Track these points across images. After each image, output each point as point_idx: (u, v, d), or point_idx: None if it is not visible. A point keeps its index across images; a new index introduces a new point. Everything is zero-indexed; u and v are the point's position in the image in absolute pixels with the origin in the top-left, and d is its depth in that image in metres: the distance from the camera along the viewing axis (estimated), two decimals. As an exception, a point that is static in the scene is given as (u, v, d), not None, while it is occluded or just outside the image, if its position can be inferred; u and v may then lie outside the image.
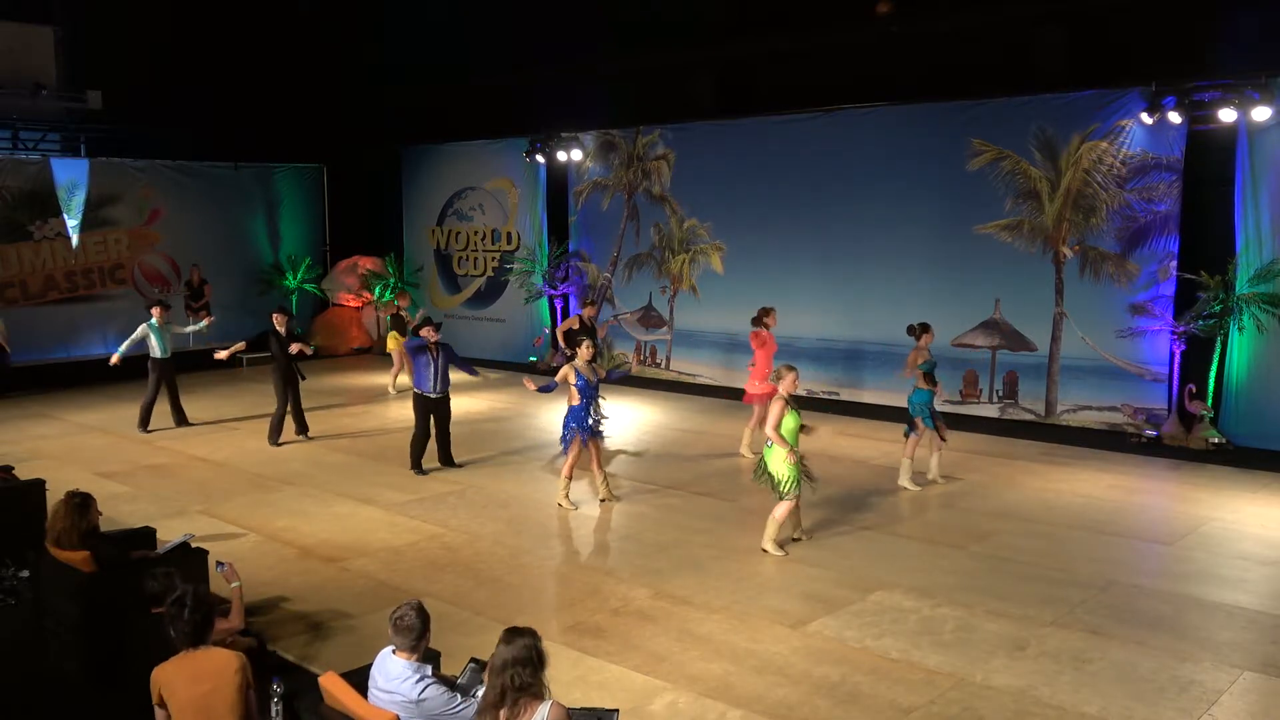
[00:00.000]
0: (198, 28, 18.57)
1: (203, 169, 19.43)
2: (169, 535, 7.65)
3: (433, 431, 11.21)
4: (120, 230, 18.52)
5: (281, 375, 12.41)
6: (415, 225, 20.56)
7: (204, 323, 14.35)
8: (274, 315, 12.62)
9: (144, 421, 13.22)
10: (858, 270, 14.53)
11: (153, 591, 5.65)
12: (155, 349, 13.09)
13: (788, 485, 8.32)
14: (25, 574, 7.44)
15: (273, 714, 4.71)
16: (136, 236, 18.73)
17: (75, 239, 17.71)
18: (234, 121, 19.04)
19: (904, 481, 10.43)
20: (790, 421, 8.28)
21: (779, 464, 8.32)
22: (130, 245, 18.65)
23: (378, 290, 19.57)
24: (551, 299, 18.21)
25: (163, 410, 13.35)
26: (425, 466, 11.15)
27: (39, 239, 17.55)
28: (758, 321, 11.91)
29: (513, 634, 4.21)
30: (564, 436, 9.86)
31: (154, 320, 13.08)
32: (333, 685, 4.70)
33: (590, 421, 9.74)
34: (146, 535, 7.52)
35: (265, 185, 20.43)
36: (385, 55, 19.91)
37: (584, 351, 9.78)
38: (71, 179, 17.59)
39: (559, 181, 18.14)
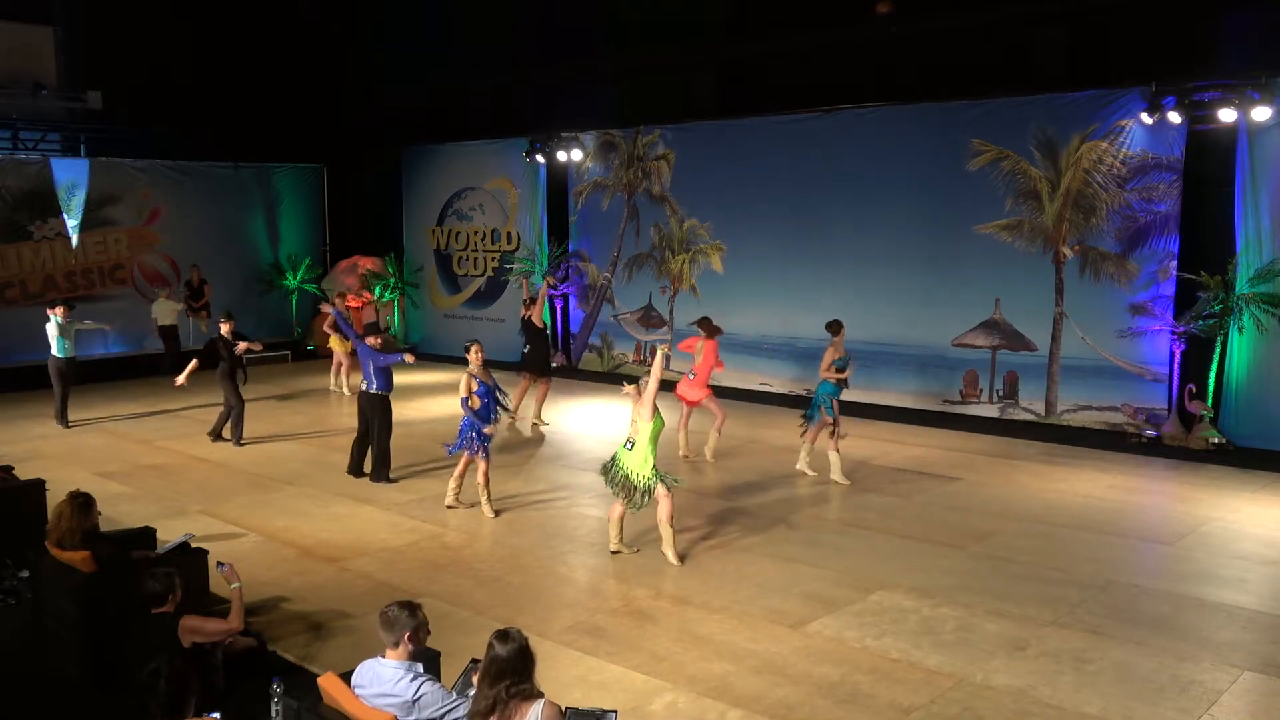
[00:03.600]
0: (198, 28, 18.59)
1: (203, 169, 19.43)
2: (169, 535, 7.66)
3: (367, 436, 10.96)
4: (120, 230, 18.53)
5: (229, 379, 12.43)
6: (415, 225, 20.56)
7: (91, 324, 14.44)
8: (220, 322, 12.63)
9: (62, 416, 13.49)
10: (858, 270, 14.53)
11: (153, 591, 5.65)
12: (54, 348, 13.23)
13: (645, 488, 8.20)
14: (25, 574, 7.43)
15: (273, 714, 4.71)
16: (136, 236, 18.74)
17: (75, 239, 17.72)
18: (234, 121, 19.04)
19: (801, 466, 10.90)
20: (656, 425, 8.22)
21: (638, 465, 8.21)
22: (130, 245, 18.66)
23: (378, 290, 19.57)
24: (552, 299, 18.20)
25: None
26: (362, 471, 10.97)
27: (39, 239, 17.56)
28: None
29: (502, 639, 4.20)
30: (463, 443, 9.53)
31: (58, 319, 13.22)
32: (332, 686, 4.70)
33: (487, 431, 9.48)
34: (146, 535, 7.53)
35: (265, 185, 20.43)
36: (385, 55, 19.90)
37: (474, 356, 9.60)
38: (71, 179, 17.59)
39: (559, 181, 18.13)
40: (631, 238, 17.21)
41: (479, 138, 19.01)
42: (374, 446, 10.80)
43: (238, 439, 12.49)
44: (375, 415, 10.74)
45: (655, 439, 8.23)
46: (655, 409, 8.19)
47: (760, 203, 15.52)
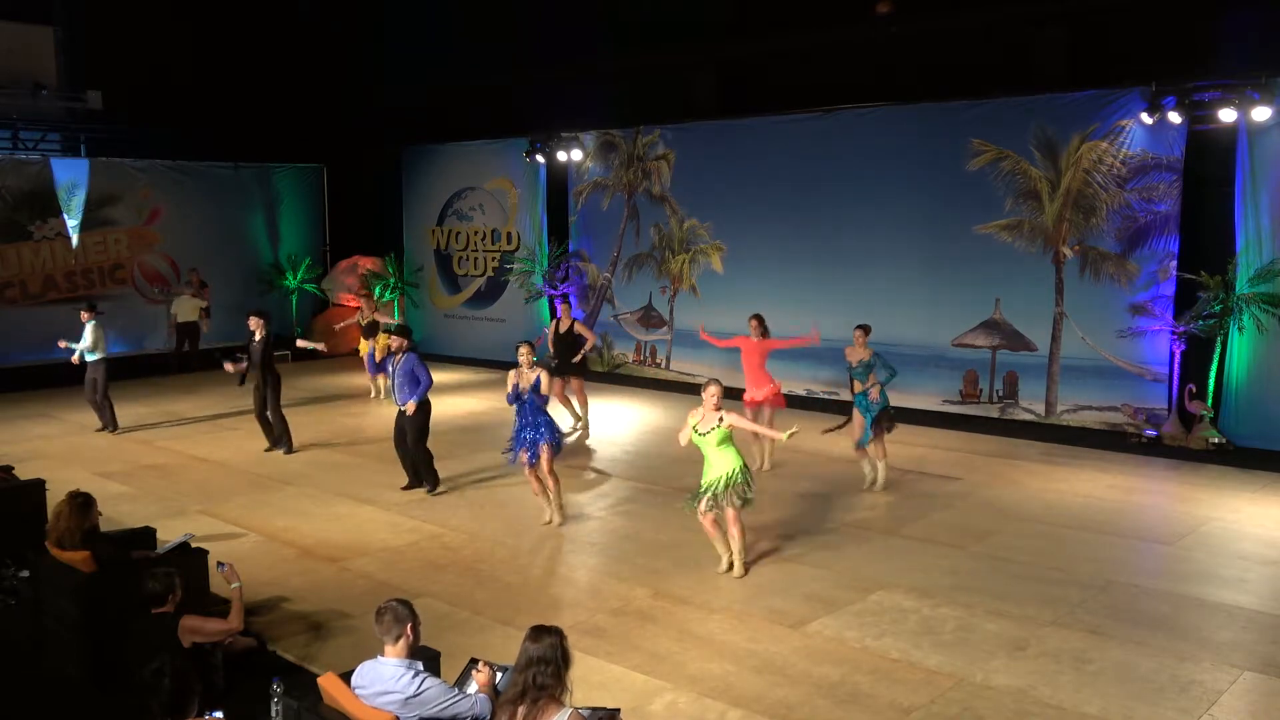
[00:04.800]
0: (198, 28, 18.60)
1: (203, 169, 19.43)
2: (169, 535, 7.66)
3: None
4: (120, 230, 18.53)
5: (258, 382, 12.00)
6: (415, 225, 20.57)
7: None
8: (249, 319, 12.01)
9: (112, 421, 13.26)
10: (858, 270, 14.52)
11: (153, 591, 5.65)
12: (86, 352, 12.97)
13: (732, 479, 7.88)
14: (25, 574, 7.44)
15: (273, 714, 4.71)
16: (136, 236, 18.74)
17: (75, 239, 17.73)
18: (234, 121, 19.04)
19: (877, 485, 10.36)
20: (693, 435, 7.89)
21: (728, 465, 7.87)
22: (130, 245, 18.66)
23: (378, 290, 19.58)
24: (551, 299, 18.21)
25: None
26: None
27: (39, 239, 17.56)
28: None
29: (539, 632, 4.27)
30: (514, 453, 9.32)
31: (84, 324, 12.94)
32: (332, 686, 4.70)
33: (523, 438, 9.15)
34: (146, 535, 7.53)
35: (265, 185, 20.43)
36: (385, 55, 19.90)
37: (523, 358, 9.24)
38: (71, 179, 17.60)
39: (559, 181, 18.13)
40: (631, 238, 17.21)
41: (479, 138, 19.01)
42: (411, 453, 10.46)
43: (284, 444, 12.09)
44: (409, 424, 10.34)
45: (728, 441, 7.85)
46: (722, 420, 7.78)
47: (760, 203, 15.52)
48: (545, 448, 9.11)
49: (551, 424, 9.27)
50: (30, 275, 17.51)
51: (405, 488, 10.48)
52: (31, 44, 16.96)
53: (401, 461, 10.58)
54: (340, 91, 19.83)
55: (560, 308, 14.00)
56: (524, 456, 9.17)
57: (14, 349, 16.79)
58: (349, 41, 20.02)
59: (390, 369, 10.37)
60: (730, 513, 7.84)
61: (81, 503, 6.72)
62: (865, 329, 10.40)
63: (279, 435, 12.11)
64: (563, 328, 13.51)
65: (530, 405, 9.16)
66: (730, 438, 7.86)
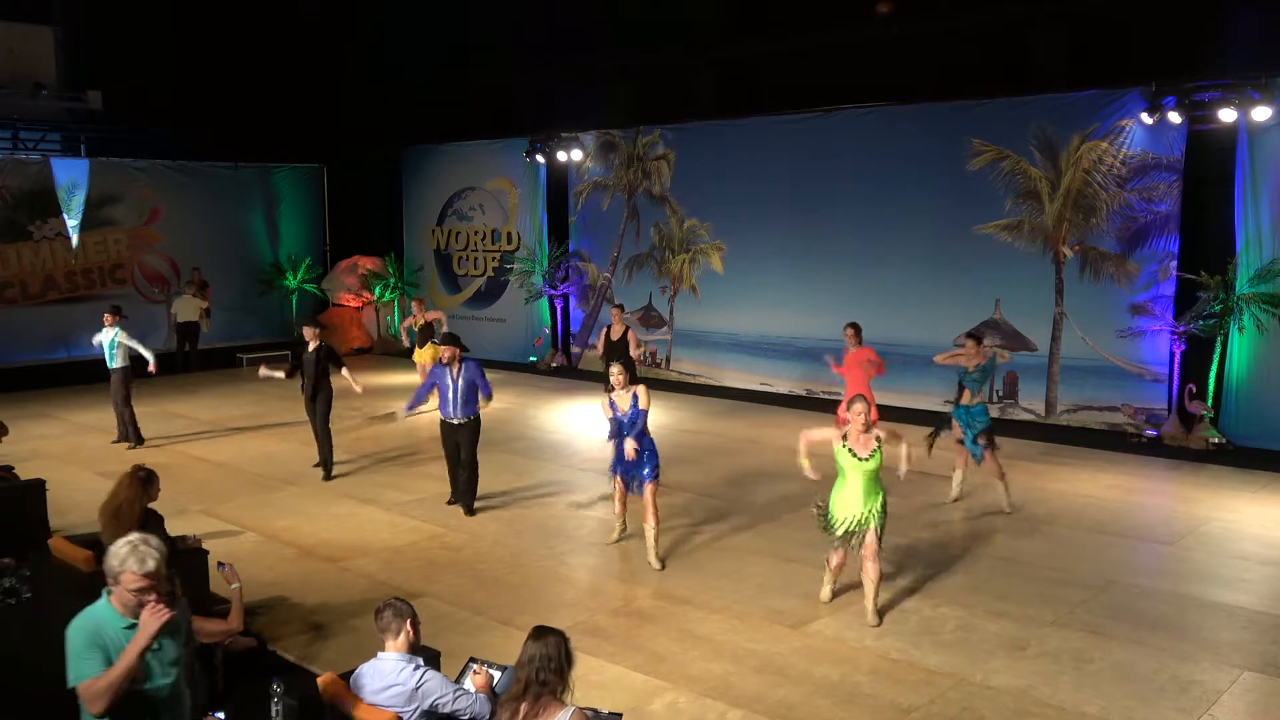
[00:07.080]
0: (198, 28, 18.59)
1: (203, 169, 19.45)
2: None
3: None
4: (120, 230, 18.55)
5: (311, 400, 10.99)
6: (415, 225, 20.57)
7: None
8: (304, 328, 11.28)
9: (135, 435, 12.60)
10: (857, 270, 14.52)
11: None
12: (107, 357, 12.39)
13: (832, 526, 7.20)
14: (26, 573, 7.43)
15: (273, 714, 4.72)
16: (136, 236, 18.76)
17: (75, 239, 17.74)
18: (234, 121, 19.05)
19: (1004, 505, 9.68)
20: (841, 458, 7.06)
21: (867, 500, 7.10)
22: (130, 245, 18.68)
23: (378, 290, 19.57)
24: (551, 299, 18.22)
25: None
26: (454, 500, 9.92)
27: (39, 239, 17.57)
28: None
29: (542, 632, 4.28)
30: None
31: (105, 327, 12.37)
32: (332, 686, 4.70)
33: (625, 462, 8.32)
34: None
35: (265, 185, 20.44)
36: (385, 55, 19.91)
37: (614, 378, 8.36)
38: (71, 179, 17.62)
39: (559, 181, 18.14)
40: (631, 238, 17.21)
41: (479, 138, 19.01)
42: (465, 471, 9.75)
43: (324, 468, 11.01)
44: (468, 439, 9.68)
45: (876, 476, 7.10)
46: (880, 440, 7.06)
47: (760, 203, 15.52)
48: (649, 485, 8.24)
49: (654, 454, 8.37)
50: (30, 275, 17.52)
51: (450, 502, 9.94)
52: (31, 44, 16.96)
53: (452, 477, 9.89)
54: (340, 91, 19.83)
55: (613, 312, 13.13)
56: (618, 481, 8.49)
57: (14, 349, 16.80)
58: (349, 41, 20.02)
59: (447, 381, 9.59)
60: (869, 548, 7.04)
61: (144, 477, 6.73)
62: (977, 337, 9.78)
63: (322, 457, 11.08)
64: (615, 334, 12.72)
65: (633, 428, 8.25)
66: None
